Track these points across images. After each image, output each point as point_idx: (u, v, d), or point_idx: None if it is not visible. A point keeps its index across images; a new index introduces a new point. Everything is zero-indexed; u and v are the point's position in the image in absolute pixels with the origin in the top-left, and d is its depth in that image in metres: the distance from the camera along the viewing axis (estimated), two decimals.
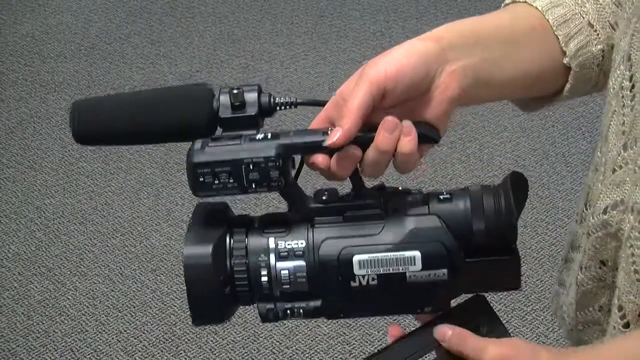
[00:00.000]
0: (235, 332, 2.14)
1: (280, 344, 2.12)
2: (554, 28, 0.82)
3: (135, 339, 2.14)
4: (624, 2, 0.81)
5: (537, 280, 2.24)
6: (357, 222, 0.71)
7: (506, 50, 0.79)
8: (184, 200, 2.52)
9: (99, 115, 0.73)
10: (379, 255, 0.70)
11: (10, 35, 3.22)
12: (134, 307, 2.22)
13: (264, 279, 0.70)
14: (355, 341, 2.12)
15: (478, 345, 0.72)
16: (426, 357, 0.74)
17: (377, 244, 0.70)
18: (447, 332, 0.73)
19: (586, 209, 0.85)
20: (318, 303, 0.71)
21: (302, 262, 0.70)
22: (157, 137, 0.75)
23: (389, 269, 0.70)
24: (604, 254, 0.81)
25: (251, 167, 0.69)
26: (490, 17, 0.83)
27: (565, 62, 0.82)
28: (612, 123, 0.80)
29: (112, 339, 2.14)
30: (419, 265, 0.70)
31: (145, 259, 2.35)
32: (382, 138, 0.70)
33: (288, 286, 0.70)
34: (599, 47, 0.84)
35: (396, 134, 0.70)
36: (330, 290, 0.71)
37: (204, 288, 0.70)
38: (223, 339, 2.13)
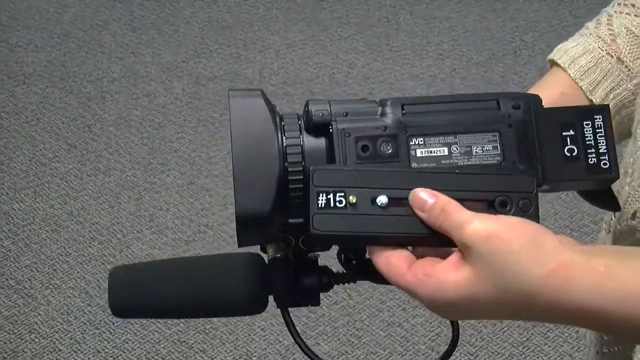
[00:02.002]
0: (225, 351, 2.14)
1: None
2: (577, 80, 0.87)
3: (114, 359, 2.14)
4: None
5: None
6: None
7: None
8: (169, 205, 2.52)
9: (139, 289, 0.80)
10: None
11: None
12: (113, 324, 2.21)
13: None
14: None
15: (461, 219, 0.66)
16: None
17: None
18: (426, 200, 0.68)
19: (614, 216, 0.86)
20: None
21: None
22: (203, 313, 0.82)
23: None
24: None
25: None
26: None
27: None
28: None
29: (89, 359, 2.14)
30: None
31: None
32: None
33: None
34: (634, 81, 0.88)
35: None
36: None
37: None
38: (212, 359, 2.14)
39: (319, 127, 0.72)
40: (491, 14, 3.22)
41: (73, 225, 2.47)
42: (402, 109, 0.72)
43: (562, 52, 0.90)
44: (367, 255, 0.76)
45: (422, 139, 0.71)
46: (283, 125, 0.72)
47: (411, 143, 0.71)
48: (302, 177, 0.71)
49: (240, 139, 0.71)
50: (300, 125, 0.72)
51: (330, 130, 0.71)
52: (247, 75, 2.98)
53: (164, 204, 2.53)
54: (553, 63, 0.91)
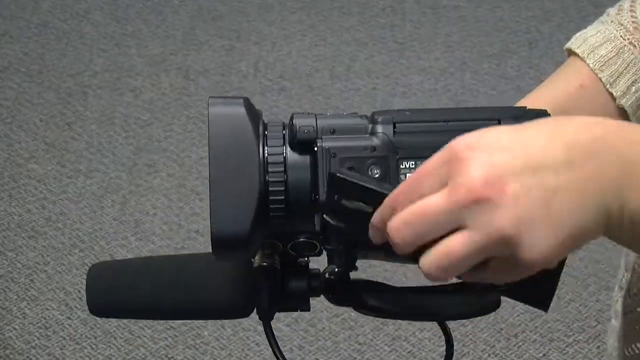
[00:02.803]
0: None
1: None
2: (596, 71, 0.88)
3: None
4: None
5: (580, 305, 2.24)
6: None
7: None
8: (156, 210, 2.51)
9: (117, 286, 0.81)
10: None
11: None
12: (95, 338, 2.21)
13: None
14: None
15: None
16: None
17: None
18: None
19: None
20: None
21: None
22: (185, 314, 0.84)
23: None
24: None
25: None
26: (545, 90, 0.91)
27: (617, 104, 0.87)
28: None
29: None
30: None
31: None
32: None
33: None
34: None
35: None
36: None
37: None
38: None
39: (303, 144, 0.72)
40: (505, 2, 3.22)
41: (52, 231, 2.46)
42: (394, 127, 0.71)
43: (581, 41, 0.90)
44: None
45: (413, 163, 0.71)
46: (266, 135, 0.72)
47: (401, 166, 0.71)
48: (283, 188, 0.71)
49: (218, 151, 0.71)
50: (284, 135, 0.72)
51: (315, 149, 0.71)
52: (240, 69, 2.98)
53: (151, 208, 2.53)
54: (571, 52, 0.91)
